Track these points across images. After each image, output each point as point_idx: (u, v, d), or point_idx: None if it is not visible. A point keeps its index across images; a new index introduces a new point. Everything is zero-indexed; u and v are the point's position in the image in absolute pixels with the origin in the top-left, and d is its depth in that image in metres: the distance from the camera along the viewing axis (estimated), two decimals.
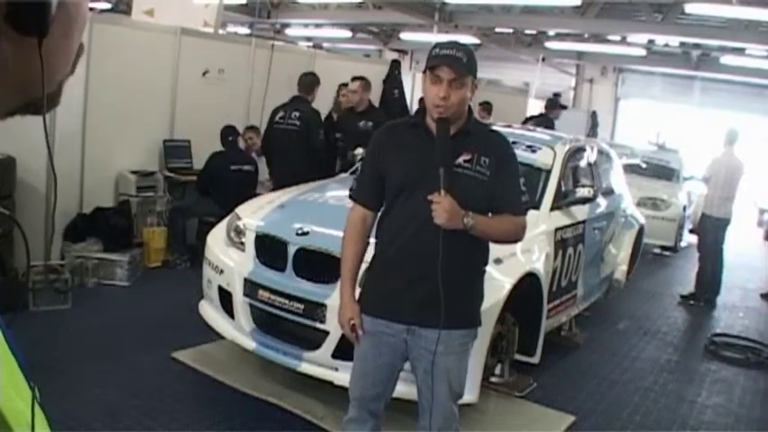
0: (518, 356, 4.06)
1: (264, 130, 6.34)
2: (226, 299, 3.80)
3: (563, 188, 4.58)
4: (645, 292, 7.19)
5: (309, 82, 6.32)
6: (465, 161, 2.29)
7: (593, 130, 15.46)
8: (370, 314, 2.38)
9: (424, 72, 2.28)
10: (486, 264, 2.47)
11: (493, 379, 4.06)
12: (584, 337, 5.33)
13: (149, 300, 5.18)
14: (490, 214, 2.32)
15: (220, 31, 8.09)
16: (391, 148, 2.38)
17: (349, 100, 6.42)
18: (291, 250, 3.53)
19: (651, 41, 12.86)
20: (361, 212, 2.44)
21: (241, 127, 6.79)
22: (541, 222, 4.19)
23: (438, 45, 2.27)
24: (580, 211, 4.67)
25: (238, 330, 3.71)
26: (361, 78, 6.33)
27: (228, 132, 6.32)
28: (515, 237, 2.43)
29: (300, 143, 5.93)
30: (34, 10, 0.52)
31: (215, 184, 6.16)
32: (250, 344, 3.63)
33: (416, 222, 2.26)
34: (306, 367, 3.42)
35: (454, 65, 2.19)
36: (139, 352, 4.17)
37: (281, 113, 6.10)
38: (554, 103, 9.46)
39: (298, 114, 6.04)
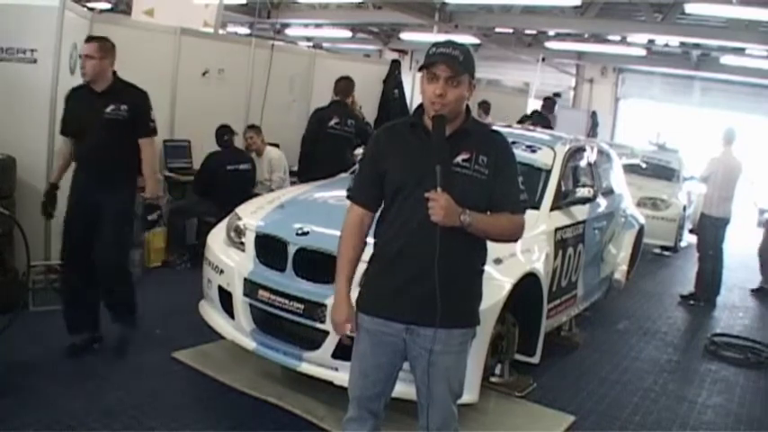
0: (518, 356, 4.06)
1: (308, 134, 6.44)
2: (226, 299, 3.80)
3: (563, 188, 4.58)
4: (645, 293, 7.19)
5: (346, 86, 6.56)
6: (463, 160, 2.28)
7: (593, 131, 15.46)
8: (368, 313, 2.38)
9: (420, 70, 2.28)
10: (484, 263, 2.45)
11: (493, 379, 4.06)
12: (584, 337, 5.33)
13: (149, 300, 5.14)
14: (489, 213, 2.32)
15: (220, 31, 8.09)
16: (390, 148, 2.38)
17: (84, 71, 3.94)
18: (291, 250, 3.53)
19: (651, 41, 12.87)
20: (360, 213, 2.43)
21: (240, 126, 6.79)
22: (541, 222, 4.19)
23: (435, 44, 2.28)
24: (580, 211, 4.67)
25: (238, 330, 3.71)
26: (100, 39, 4.04)
27: (224, 132, 6.33)
28: (514, 235, 2.42)
29: (349, 149, 6.30)
30: None
31: (212, 185, 6.18)
32: (250, 344, 3.63)
33: (414, 221, 2.25)
34: (306, 367, 3.42)
35: (450, 62, 2.20)
36: (139, 352, 4.16)
37: (335, 119, 6.30)
38: (552, 103, 9.47)
39: (353, 123, 6.42)
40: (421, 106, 2.34)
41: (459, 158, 2.28)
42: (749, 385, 4.88)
